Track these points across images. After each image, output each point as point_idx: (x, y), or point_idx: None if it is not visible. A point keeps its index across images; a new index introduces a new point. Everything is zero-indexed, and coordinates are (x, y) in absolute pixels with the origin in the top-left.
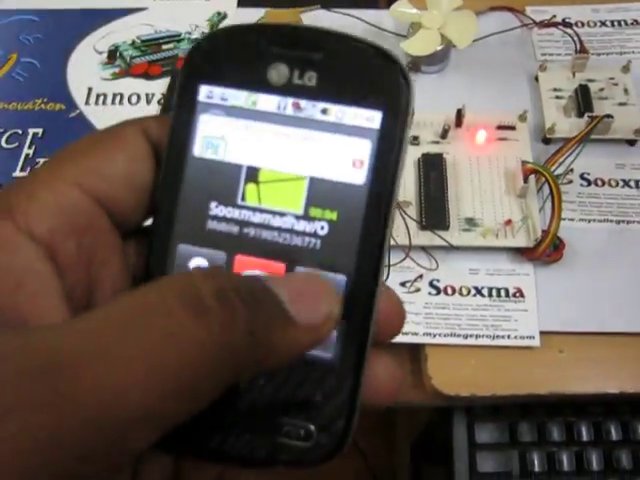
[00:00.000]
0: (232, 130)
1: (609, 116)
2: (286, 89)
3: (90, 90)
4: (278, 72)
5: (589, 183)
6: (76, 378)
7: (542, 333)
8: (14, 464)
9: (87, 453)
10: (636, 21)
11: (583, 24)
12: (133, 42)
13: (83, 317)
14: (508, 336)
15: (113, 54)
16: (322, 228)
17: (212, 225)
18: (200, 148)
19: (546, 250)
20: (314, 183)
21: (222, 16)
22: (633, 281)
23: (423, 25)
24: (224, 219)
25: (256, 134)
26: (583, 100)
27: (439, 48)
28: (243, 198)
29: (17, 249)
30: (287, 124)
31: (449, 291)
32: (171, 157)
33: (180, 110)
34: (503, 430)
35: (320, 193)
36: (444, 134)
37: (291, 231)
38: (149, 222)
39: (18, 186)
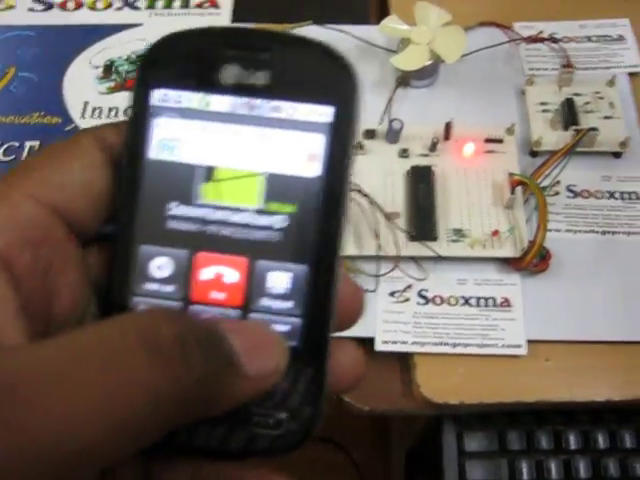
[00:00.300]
0: (187, 131)
1: (594, 129)
2: (238, 89)
3: (86, 104)
4: (230, 73)
5: (575, 195)
6: (28, 406)
7: (529, 342)
8: None
9: None
10: (621, 36)
11: (570, 39)
12: (128, 57)
13: (43, 343)
14: (495, 345)
15: (109, 69)
16: (281, 221)
17: (173, 225)
18: (156, 151)
19: (532, 260)
20: (271, 178)
21: None
22: (618, 290)
23: (412, 40)
24: (184, 218)
25: (211, 134)
26: (569, 114)
27: (428, 63)
28: (202, 197)
29: None
30: (241, 123)
31: (437, 301)
32: (128, 161)
33: (135, 114)
34: (492, 439)
35: (277, 188)
36: (433, 147)
37: (251, 226)
38: (111, 228)
39: None
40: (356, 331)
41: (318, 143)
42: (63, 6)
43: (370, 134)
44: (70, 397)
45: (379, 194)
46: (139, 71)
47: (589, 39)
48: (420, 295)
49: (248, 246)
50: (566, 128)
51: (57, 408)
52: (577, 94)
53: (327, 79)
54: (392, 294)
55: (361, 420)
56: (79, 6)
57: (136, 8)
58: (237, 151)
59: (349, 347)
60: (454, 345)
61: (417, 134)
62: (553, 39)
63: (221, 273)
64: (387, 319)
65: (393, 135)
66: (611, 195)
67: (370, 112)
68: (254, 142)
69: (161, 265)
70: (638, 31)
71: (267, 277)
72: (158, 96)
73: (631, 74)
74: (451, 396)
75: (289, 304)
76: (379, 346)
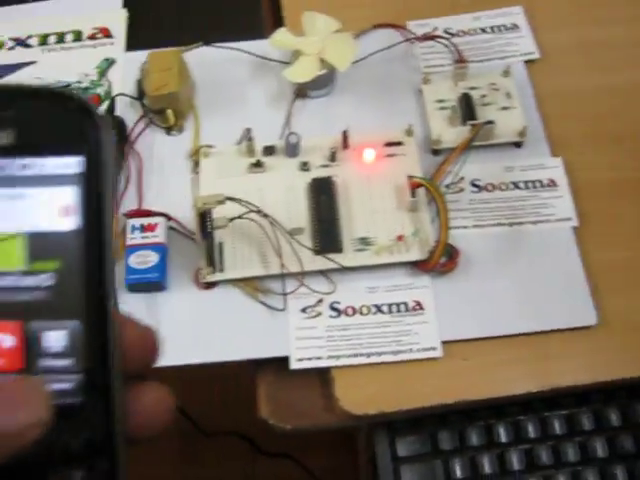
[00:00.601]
0: None
1: (490, 122)
2: None
3: None
4: None
5: (480, 189)
6: None
7: (444, 343)
8: None
9: None
10: (515, 25)
11: (465, 33)
12: None
13: None
14: (410, 350)
15: None
16: (47, 279)
17: None
18: None
19: (439, 260)
20: (30, 237)
21: (110, 62)
22: (528, 281)
23: (302, 52)
24: None
25: None
26: (466, 109)
27: (321, 73)
28: None
29: None
30: None
31: (349, 312)
32: None
33: None
34: (425, 441)
35: (38, 246)
36: (332, 157)
37: (18, 288)
38: None
39: None
40: (270, 351)
41: (71, 195)
42: None
43: (269, 150)
44: None
45: (282, 210)
46: None
47: (483, 30)
48: (332, 308)
49: (19, 309)
50: (464, 123)
51: None
52: (473, 88)
53: (72, 129)
54: (304, 310)
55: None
56: None
57: (28, 46)
58: None
59: (151, 389)
60: (369, 355)
61: (316, 145)
62: (446, 34)
63: None
64: (300, 336)
65: (292, 149)
66: (515, 185)
67: (270, 127)
68: (8, 203)
69: None
70: (533, 17)
71: (42, 337)
72: None
73: (527, 62)
74: (370, 406)
75: (69, 361)
76: (294, 364)
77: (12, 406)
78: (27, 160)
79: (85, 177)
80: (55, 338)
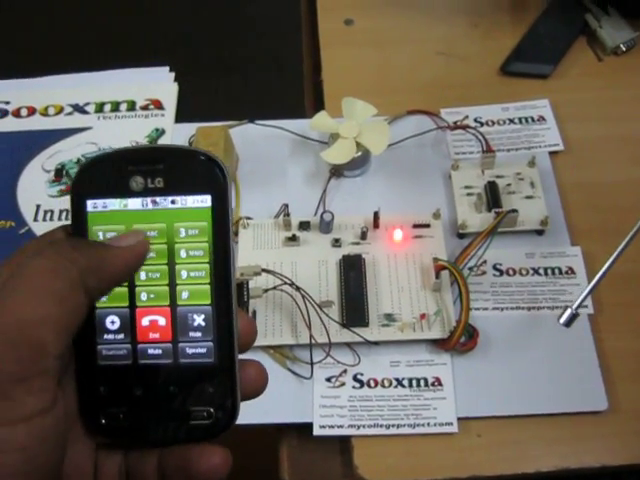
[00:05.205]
0: (112, 226)
1: (514, 211)
2: (144, 192)
3: (38, 207)
4: (136, 182)
5: (501, 273)
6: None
7: (460, 419)
8: None
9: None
10: (542, 117)
11: (494, 122)
12: (79, 160)
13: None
14: (428, 424)
15: (60, 172)
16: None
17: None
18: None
19: (459, 340)
20: None
21: (160, 132)
22: (543, 364)
23: (340, 135)
24: None
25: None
26: (491, 196)
27: (357, 155)
28: None
29: None
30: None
31: (372, 384)
32: None
33: (76, 220)
34: None
35: None
36: (363, 235)
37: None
38: None
39: None
40: (295, 417)
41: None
42: (17, 113)
43: (304, 226)
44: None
45: (314, 283)
46: (73, 188)
47: (511, 121)
48: (355, 379)
49: (171, 299)
50: (489, 210)
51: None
52: (499, 176)
53: (205, 174)
54: (329, 379)
55: None
56: (32, 112)
57: (85, 112)
58: None
59: (254, 364)
60: (388, 426)
61: (349, 224)
62: (476, 124)
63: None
64: (324, 404)
65: (325, 226)
66: (535, 271)
67: (306, 204)
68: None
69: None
70: (558, 110)
71: (186, 317)
72: (90, 204)
73: (552, 153)
74: (387, 475)
75: (204, 334)
76: (317, 431)
77: (120, 238)
78: (174, 197)
79: (214, 208)
80: (194, 318)
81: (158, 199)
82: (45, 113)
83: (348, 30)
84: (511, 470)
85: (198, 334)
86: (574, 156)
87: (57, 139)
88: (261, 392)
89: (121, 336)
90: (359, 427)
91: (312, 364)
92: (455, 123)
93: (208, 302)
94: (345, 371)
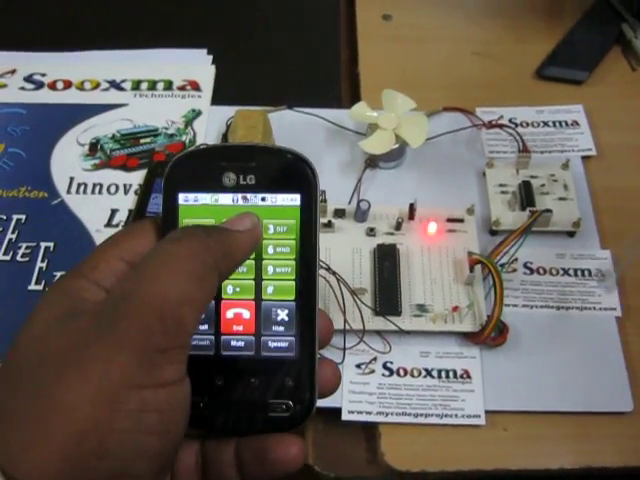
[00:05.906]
0: (202, 220)
1: (548, 211)
2: (236, 188)
3: (72, 180)
4: (229, 178)
5: (532, 271)
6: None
7: (487, 412)
8: None
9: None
10: (576, 122)
11: (528, 124)
12: (113, 136)
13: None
14: (455, 415)
15: (94, 146)
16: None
17: None
18: None
19: (490, 335)
20: None
21: (197, 113)
22: (571, 363)
23: (379, 126)
24: None
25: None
26: (525, 195)
27: (394, 147)
28: None
29: None
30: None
31: (401, 372)
32: None
33: (167, 212)
34: None
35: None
36: (398, 226)
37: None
38: None
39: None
40: (324, 401)
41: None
42: (52, 86)
43: (340, 213)
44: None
45: (347, 270)
46: (166, 180)
47: (546, 124)
48: (385, 367)
49: (256, 293)
50: (523, 209)
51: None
52: (533, 176)
53: (296, 175)
54: (358, 366)
55: None
56: (68, 86)
57: (122, 89)
58: None
59: (330, 364)
60: (416, 415)
61: (383, 214)
62: (511, 124)
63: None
64: (353, 390)
65: (361, 215)
66: (565, 272)
67: (340, 192)
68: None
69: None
70: (591, 116)
71: (270, 312)
72: (182, 198)
73: (584, 157)
74: (413, 464)
75: (286, 328)
76: (345, 416)
77: (236, 221)
78: (265, 194)
79: (303, 207)
80: (278, 313)
81: (249, 195)
82: (81, 87)
83: (386, 25)
84: (535, 465)
85: (281, 328)
86: (606, 162)
87: (92, 114)
88: (334, 391)
89: (205, 327)
90: (387, 414)
91: (344, 349)
92: (490, 122)
93: (292, 298)
94: (375, 359)
